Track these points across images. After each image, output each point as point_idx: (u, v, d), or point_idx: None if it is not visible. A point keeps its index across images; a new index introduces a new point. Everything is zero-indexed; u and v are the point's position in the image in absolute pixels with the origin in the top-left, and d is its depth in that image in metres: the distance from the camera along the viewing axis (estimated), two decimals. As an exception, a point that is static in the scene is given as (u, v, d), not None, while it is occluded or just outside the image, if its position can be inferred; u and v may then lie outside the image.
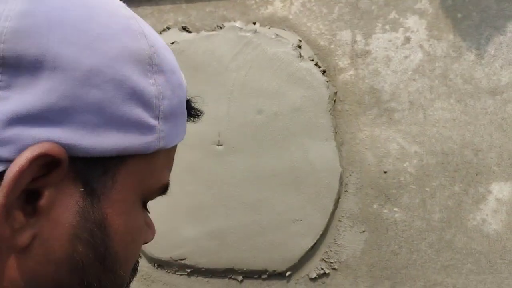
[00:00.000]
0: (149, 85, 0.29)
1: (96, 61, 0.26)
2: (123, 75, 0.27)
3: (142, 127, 0.29)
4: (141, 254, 0.36)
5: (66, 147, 0.25)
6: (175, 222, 0.72)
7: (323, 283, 0.69)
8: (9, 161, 0.23)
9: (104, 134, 0.26)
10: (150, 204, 0.76)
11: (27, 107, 0.24)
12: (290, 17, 0.73)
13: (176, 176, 0.71)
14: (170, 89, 0.31)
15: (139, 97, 0.28)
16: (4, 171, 0.23)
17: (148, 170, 0.31)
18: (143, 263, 0.74)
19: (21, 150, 0.23)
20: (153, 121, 0.29)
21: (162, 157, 0.32)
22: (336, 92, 0.71)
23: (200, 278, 0.72)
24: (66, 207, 0.26)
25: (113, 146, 0.27)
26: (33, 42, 0.24)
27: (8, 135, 0.23)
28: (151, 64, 0.29)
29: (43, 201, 0.25)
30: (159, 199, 0.72)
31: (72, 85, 0.25)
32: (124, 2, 0.31)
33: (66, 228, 0.26)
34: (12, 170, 0.23)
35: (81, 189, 0.26)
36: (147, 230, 0.36)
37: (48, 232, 0.26)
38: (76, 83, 0.25)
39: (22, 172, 0.23)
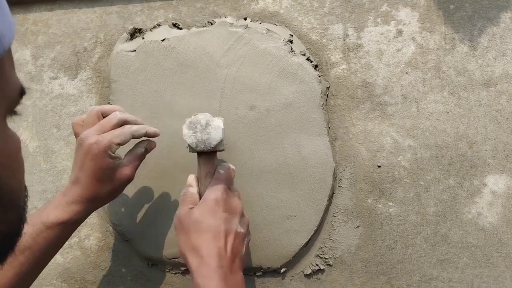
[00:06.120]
0: None
1: None
2: None
3: None
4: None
5: None
6: (168, 220, 0.71)
7: (318, 279, 0.69)
8: None
9: None
10: (141, 203, 0.75)
11: None
12: (281, 11, 0.72)
13: (169, 174, 0.71)
14: None
15: None
16: None
17: (3, 81, 0.28)
18: (136, 262, 0.74)
19: None
20: None
21: (6, 57, 0.28)
22: (329, 86, 0.70)
23: (194, 276, 0.72)
24: None
25: None
26: None
27: None
28: None
29: None
30: (151, 198, 0.71)
31: None
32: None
33: None
34: None
35: None
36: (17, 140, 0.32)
37: None
38: None
39: None
